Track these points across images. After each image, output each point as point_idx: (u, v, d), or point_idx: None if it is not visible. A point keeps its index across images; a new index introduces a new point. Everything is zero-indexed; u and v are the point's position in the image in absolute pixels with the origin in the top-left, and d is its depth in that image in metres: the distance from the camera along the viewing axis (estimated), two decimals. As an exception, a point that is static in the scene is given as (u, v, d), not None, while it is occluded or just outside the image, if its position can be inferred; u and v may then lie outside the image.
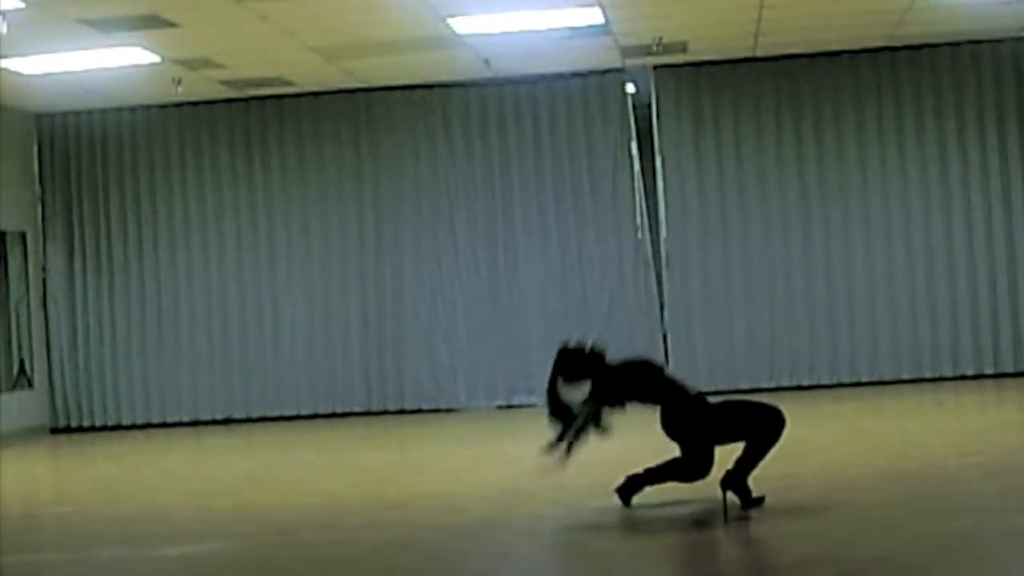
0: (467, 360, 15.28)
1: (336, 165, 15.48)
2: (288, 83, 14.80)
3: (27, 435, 15.15)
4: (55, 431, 15.66)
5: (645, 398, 7.50)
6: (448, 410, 15.20)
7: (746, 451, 7.36)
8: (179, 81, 13.91)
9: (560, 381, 7.56)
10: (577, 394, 7.53)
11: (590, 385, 7.48)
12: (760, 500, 7.39)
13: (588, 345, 7.63)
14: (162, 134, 15.66)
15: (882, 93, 14.82)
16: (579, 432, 7.28)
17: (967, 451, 9.77)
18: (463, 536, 7.33)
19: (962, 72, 14.75)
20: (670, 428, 7.45)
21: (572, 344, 7.66)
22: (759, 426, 7.40)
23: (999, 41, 14.60)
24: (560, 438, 7.30)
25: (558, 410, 7.48)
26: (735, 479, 7.33)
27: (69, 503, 10.26)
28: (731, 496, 7.33)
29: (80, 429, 15.67)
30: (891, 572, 5.91)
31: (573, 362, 7.57)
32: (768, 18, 12.89)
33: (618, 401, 7.44)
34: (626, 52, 14.15)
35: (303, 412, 15.38)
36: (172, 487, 10.55)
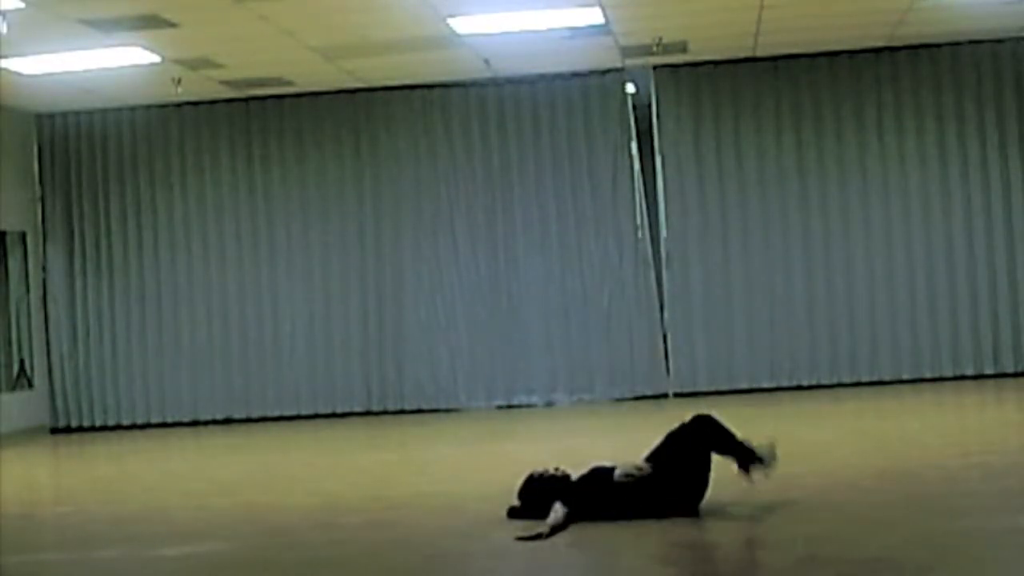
0: (467, 360, 15.28)
1: (336, 165, 15.49)
2: (288, 83, 14.80)
3: (27, 435, 15.15)
4: (55, 431, 15.66)
5: (631, 507, 7.37)
6: (448, 410, 15.20)
7: (725, 452, 7.40)
8: (179, 81, 13.91)
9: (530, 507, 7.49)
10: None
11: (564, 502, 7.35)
12: (772, 450, 7.38)
13: (551, 471, 7.54)
14: (162, 134, 15.66)
15: (882, 93, 14.83)
16: (556, 529, 7.15)
17: (967, 451, 9.77)
18: (463, 536, 7.33)
19: (962, 72, 14.75)
20: (664, 507, 7.42)
21: (536, 474, 7.56)
22: (704, 441, 7.38)
23: (999, 41, 14.60)
24: (537, 537, 7.11)
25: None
26: (744, 458, 7.33)
27: (69, 503, 10.26)
28: (759, 472, 7.35)
29: (80, 429, 15.67)
30: (891, 572, 5.91)
31: (543, 491, 7.46)
32: (768, 18, 12.89)
33: (596, 516, 7.35)
34: (626, 52, 14.15)
35: (303, 412, 15.38)
36: (172, 487, 10.55)
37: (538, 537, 6.90)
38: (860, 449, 10.10)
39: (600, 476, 7.44)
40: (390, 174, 15.41)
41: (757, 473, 7.39)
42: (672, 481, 7.31)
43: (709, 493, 7.38)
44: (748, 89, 14.95)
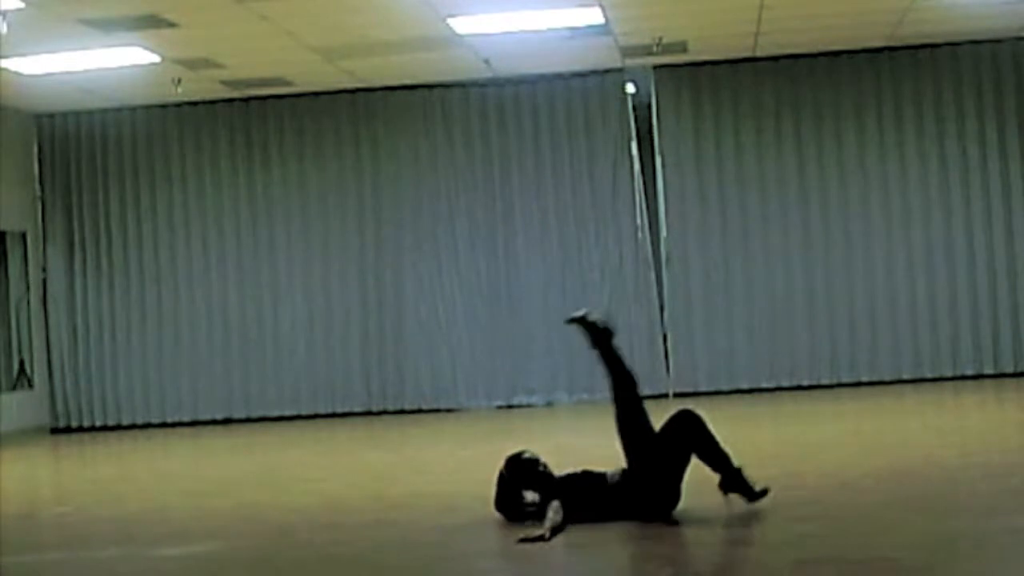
0: (467, 360, 15.29)
1: (336, 165, 15.50)
2: (288, 83, 14.81)
3: (27, 435, 15.15)
4: (55, 431, 15.67)
5: (618, 509, 7.30)
6: (448, 410, 15.21)
7: (705, 457, 7.32)
8: (179, 81, 13.92)
9: (506, 492, 7.49)
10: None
11: (540, 498, 7.32)
12: (764, 492, 7.32)
13: (541, 462, 7.52)
14: (162, 134, 15.67)
15: (882, 93, 14.83)
16: (556, 531, 7.10)
17: (967, 451, 9.77)
18: (463, 536, 7.33)
19: (962, 72, 14.76)
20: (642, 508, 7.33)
21: (525, 456, 7.55)
22: (687, 437, 7.31)
23: (999, 41, 14.61)
24: (539, 539, 7.06)
25: (513, 511, 7.44)
26: (729, 479, 7.30)
27: (69, 503, 10.25)
28: (734, 496, 7.32)
29: (80, 429, 15.68)
30: (891, 572, 5.91)
31: (525, 475, 7.45)
32: (768, 18, 12.90)
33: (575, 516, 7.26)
34: (626, 52, 14.15)
35: (303, 412, 15.39)
36: (172, 487, 10.55)
37: (540, 539, 6.90)
38: (860, 449, 10.09)
39: (593, 477, 7.42)
40: (390, 174, 15.42)
41: (735, 496, 7.32)
42: (649, 478, 7.28)
43: (705, 495, 7.37)
44: (748, 89, 14.95)
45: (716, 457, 7.32)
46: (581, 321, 7.57)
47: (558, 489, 7.37)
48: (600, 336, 7.53)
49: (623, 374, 7.53)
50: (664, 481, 7.25)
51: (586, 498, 7.30)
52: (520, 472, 7.51)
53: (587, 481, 7.41)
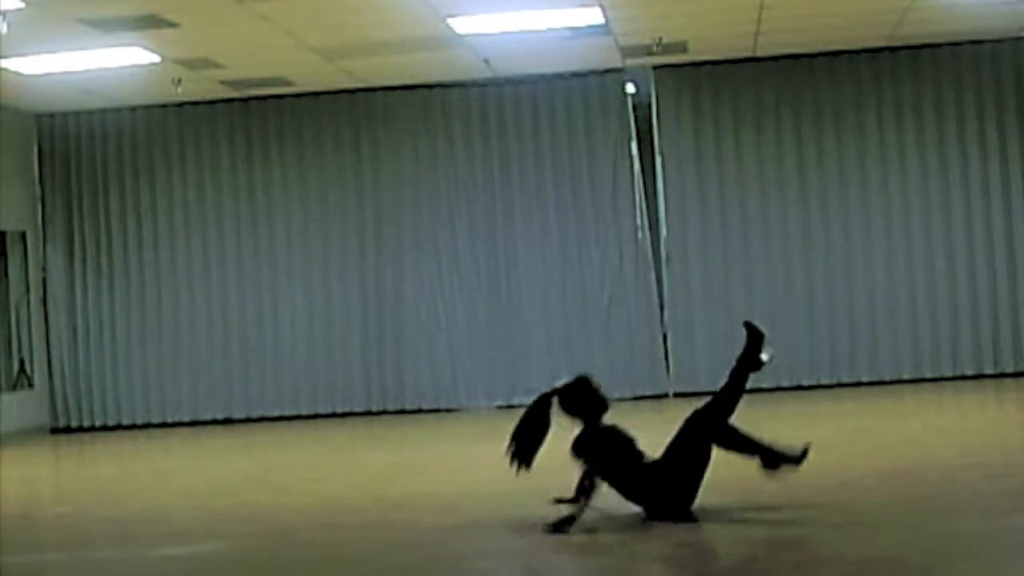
0: (467, 360, 15.28)
1: (336, 165, 15.49)
2: (288, 83, 14.81)
3: (27, 435, 15.15)
4: (55, 431, 15.66)
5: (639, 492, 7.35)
6: (448, 410, 15.21)
7: (733, 447, 7.34)
8: (179, 81, 13.91)
9: (556, 405, 7.46)
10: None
11: (580, 431, 7.37)
12: (806, 450, 7.35)
13: (604, 393, 7.54)
14: (162, 134, 15.66)
15: (882, 93, 14.83)
16: (584, 507, 7.12)
17: (967, 451, 9.77)
18: (463, 536, 7.33)
19: (962, 72, 14.75)
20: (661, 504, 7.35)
21: (596, 382, 7.57)
22: (707, 436, 7.34)
23: (999, 41, 14.60)
24: (568, 522, 7.07)
25: (531, 443, 7.41)
26: (767, 457, 7.30)
27: (69, 503, 10.26)
28: (783, 471, 7.33)
29: (80, 429, 15.67)
30: (891, 572, 5.91)
31: (585, 397, 7.50)
32: (768, 18, 12.90)
33: (596, 469, 7.25)
34: (626, 52, 14.15)
35: (303, 412, 15.38)
36: (172, 487, 10.55)
37: (568, 523, 6.91)
38: (860, 449, 10.10)
39: (632, 451, 7.38)
40: (390, 174, 15.41)
41: (783, 472, 7.35)
42: (672, 478, 7.28)
43: (707, 495, 7.37)
44: (748, 89, 14.95)
45: (743, 443, 7.36)
46: (756, 334, 7.55)
47: (601, 434, 7.35)
48: (752, 362, 7.78)
49: (733, 399, 7.64)
50: (686, 482, 7.25)
51: (616, 464, 7.28)
52: (585, 388, 7.53)
53: (626, 450, 7.39)
